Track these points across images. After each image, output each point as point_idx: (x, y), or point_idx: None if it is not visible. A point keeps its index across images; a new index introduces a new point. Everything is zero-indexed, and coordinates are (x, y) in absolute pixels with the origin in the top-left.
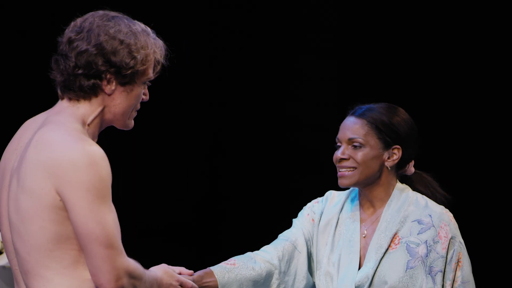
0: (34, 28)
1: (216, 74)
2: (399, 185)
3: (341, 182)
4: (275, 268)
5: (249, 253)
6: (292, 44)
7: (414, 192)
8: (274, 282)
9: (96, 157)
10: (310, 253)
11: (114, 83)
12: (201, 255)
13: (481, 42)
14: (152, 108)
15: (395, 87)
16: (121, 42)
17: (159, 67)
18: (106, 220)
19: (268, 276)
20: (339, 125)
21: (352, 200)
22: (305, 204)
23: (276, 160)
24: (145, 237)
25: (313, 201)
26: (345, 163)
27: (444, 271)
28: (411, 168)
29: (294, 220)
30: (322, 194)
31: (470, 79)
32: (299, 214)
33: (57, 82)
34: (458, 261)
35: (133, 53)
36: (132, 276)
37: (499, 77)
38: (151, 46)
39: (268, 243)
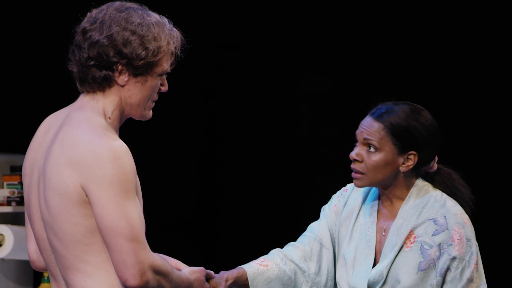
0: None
1: (213, 65)
2: (419, 182)
3: (354, 183)
4: (303, 270)
5: (278, 253)
6: (292, 41)
7: (435, 189)
8: (304, 285)
9: (120, 151)
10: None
11: (126, 74)
12: (201, 250)
13: (482, 42)
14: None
15: (397, 84)
16: (133, 33)
17: (173, 58)
18: (131, 214)
19: (297, 279)
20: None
21: (374, 193)
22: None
23: (279, 156)
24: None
25: (342, 189)
26: (357, 165)
27: (462, 272)
28: (433, 166)
29: (323, 207)
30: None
31: (470, 79)
32: (329, 202)
33: (74, 74)
34: (476, 263)
35: (145, 44)
36: (157, 271)
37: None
38: (164, 38)
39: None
